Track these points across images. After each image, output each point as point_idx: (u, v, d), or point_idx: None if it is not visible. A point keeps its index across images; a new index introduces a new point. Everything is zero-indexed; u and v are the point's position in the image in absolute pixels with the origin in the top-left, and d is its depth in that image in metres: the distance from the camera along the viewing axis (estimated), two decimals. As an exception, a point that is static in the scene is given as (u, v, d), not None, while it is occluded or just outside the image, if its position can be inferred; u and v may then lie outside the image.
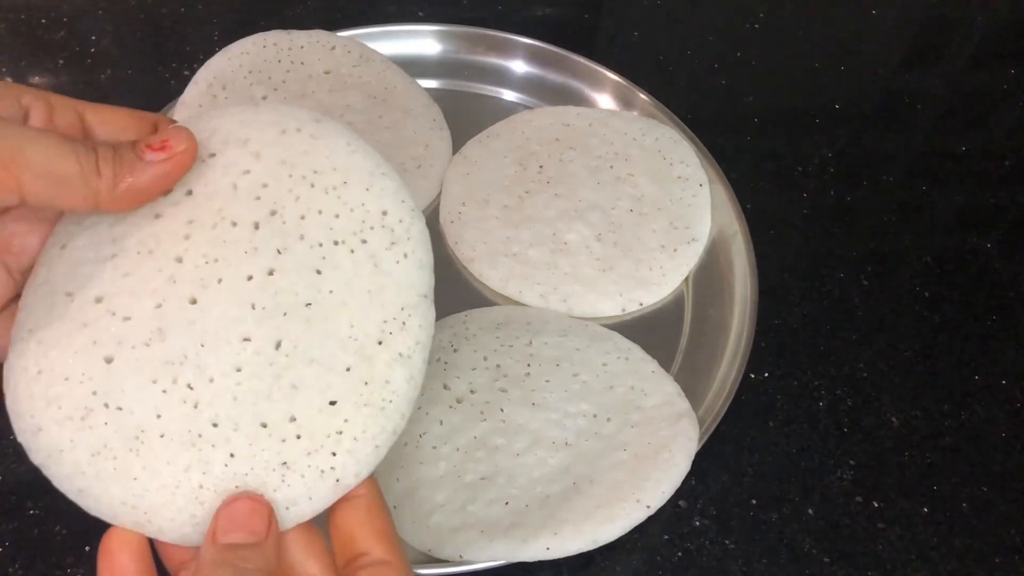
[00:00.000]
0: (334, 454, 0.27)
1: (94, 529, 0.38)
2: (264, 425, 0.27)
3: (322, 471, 0.27)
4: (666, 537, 0.41)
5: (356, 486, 0.28)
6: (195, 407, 0.27)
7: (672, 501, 0.38)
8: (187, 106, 0.50)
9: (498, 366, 0.43)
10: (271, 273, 0.27)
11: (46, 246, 0.29)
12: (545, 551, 0.36)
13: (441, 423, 0.40)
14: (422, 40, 0.59)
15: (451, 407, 0.41)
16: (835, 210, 0.55)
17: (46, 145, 0.25)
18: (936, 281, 0.52)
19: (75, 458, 0.27)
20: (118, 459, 0.26)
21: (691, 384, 0.43)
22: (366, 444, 0.27)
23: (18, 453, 0.41)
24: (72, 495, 0.27)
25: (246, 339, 0.27)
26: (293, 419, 0.27)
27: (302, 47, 0.54)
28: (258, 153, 0.28)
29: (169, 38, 0.62)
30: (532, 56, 0.58)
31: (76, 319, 0.27)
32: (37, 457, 0.27)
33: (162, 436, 0.26)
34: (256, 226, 0.28)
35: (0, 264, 0.29)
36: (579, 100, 0.57)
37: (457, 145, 0.54)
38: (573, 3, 0.68)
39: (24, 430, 0.27)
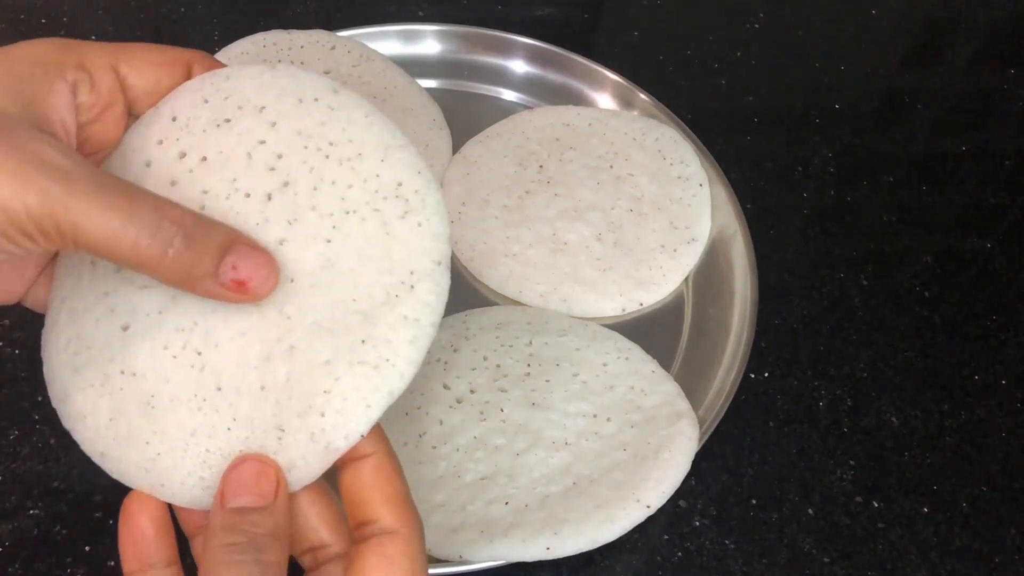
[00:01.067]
0: (323, 415, 0.26)
1: (94, 529, 0.39)
2: (263, 388, 0.27)
3: (312, 433, 0.26)
4: (666, 537, 0.41)
5: (361, 445, 0.27)
6: (201, 371, 0.27)
7: (672, 501, 0.38)
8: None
9: (498, 366, 0.43)
10: (281, 243, 0.27)
11: None
12: (545, 551, 0.36)
13: (441, 423, 0.40)
14: (422, 40, 0.59)
15: (451, 407, 0.41)
16: (835, 210, 0.55)
17: (118, 203, 0.23)
18: (936, 281, 0.52)
19: (96, 423, 0.27)
20: (132, 423, 0.27)
21: (691, 384, 0.43)
22: (356, 404, 0.26)
23: (18, 453, 0.41)
24: (96, 459, 0.28)
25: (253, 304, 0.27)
26: (287, 380, 0.27)
27: (302, 47, 0.54)
28: (274, 123, 0.28)
29: (169, 38, 0.62)
30: (532, 56, 0.58)
31: (99, 288, 0.28)
32: (66, 422, 0.28)
33: (171, 401, 0.27)
34: (268, 197, 0.28)
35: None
36: (579, 100, 0.57)
37: (457, 145, 0.54)
38: (573, 3, 0.68)
39: (55, 397, 0.28)
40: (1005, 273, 0.53)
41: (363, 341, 0.27)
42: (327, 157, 0.28)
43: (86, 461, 0.40)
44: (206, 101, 0.29)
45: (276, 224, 0.27)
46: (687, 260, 0.49)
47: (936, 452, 0.45)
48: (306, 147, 0.28)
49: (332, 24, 0.57)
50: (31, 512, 0.39)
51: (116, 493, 0.39)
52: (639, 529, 0.37)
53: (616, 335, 0.45)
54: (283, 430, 0.26)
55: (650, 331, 0.47)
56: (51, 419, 0.41)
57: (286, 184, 0.28)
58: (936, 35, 0.70)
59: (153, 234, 0.24)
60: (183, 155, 0.28)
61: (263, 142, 0.28)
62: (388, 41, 0.58)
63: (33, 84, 0.25)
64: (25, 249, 0.23)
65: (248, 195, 0.28)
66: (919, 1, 0.72)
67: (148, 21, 0.63)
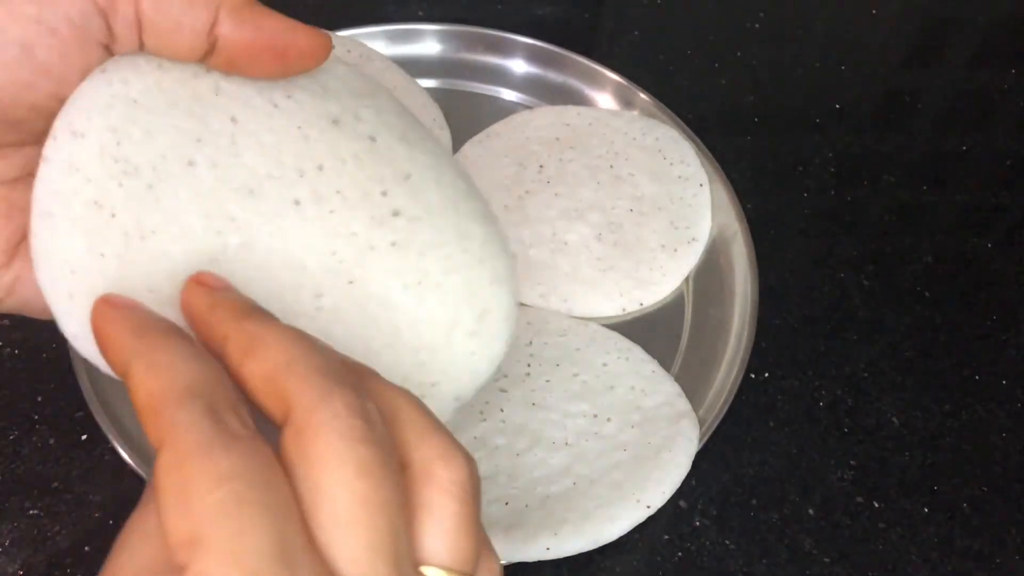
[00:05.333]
0: None
1: (93, 530, 0.39)
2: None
3: None
4: (666, 537, 0.41)
5: None
6: (210, 262, 0.25)
7: (672, 501, 0.38)
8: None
9: (498, 366, 0.43)
10: (371, 248, 0.26)
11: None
12: (545, 551, 0.36)
13: (441, 423, 0.40)
14: (422, 40, 0.59)
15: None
16: (836, 210, 0.55)
17: None
18: (937, 281, 0.52)
19: (78, 188, 0.24)
20: (110, 227, 0.24)
21: (691, 384, 0.43)
22: None
23: (17, 453, 0.41)
24: (38, 214, 0.24)
25: (302, 266, 0.25)
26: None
27: (302, 47, 0.54)
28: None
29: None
30: (532, 56, 0.58)
31: (202, 112, 0.25)
32: (55, 152, 0.24)
33: (164, 254, 0.25)
34: (395, 214, 0.26)
35: None
36: (579, 100, 0.57)
37: (457, 145, 0.54)
38: (573, 2, 0.68)
39: (71, 122, 0.24)
40: (1006, 273, 0.53)
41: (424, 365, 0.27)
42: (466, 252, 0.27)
43: (85, 461, 0.41)
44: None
45: (383, 233, 0.26)
46: (687, 260, 0.48)
47: (937, 452, 0.44)
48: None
49: (332, 23, 0.57)
50: (30, 512, 0.39)
51: (116, 493, 0.40)
52: (639, 529, 0.37)
53: (616, 335, 0.45)
54: None
55: (650, 331, 0.46)
56: (50, 419, 0.42)
57: (418, 219, 0.26)
58: (936, 35, 0.70)
59: None
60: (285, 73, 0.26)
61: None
62: (388, 41, 0.58)
63: None
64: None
65: (384, 195, 0.26)
66: (919, 1, 0.72)
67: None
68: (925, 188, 0.57)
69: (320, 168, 0.26)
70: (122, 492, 0.40)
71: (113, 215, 0.24)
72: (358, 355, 0.25)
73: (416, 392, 0.24)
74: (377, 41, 0.57)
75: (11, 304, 0.25)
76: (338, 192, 0.26)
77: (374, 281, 0.26)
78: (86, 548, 0.38)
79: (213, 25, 0.23)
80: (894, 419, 0.46)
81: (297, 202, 0.25)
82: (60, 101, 0.23)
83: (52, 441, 0.41)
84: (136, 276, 0.24)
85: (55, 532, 0.39)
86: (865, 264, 0.52)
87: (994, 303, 0.51)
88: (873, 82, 0.64)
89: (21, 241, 0.25)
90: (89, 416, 0.39)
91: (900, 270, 0.53)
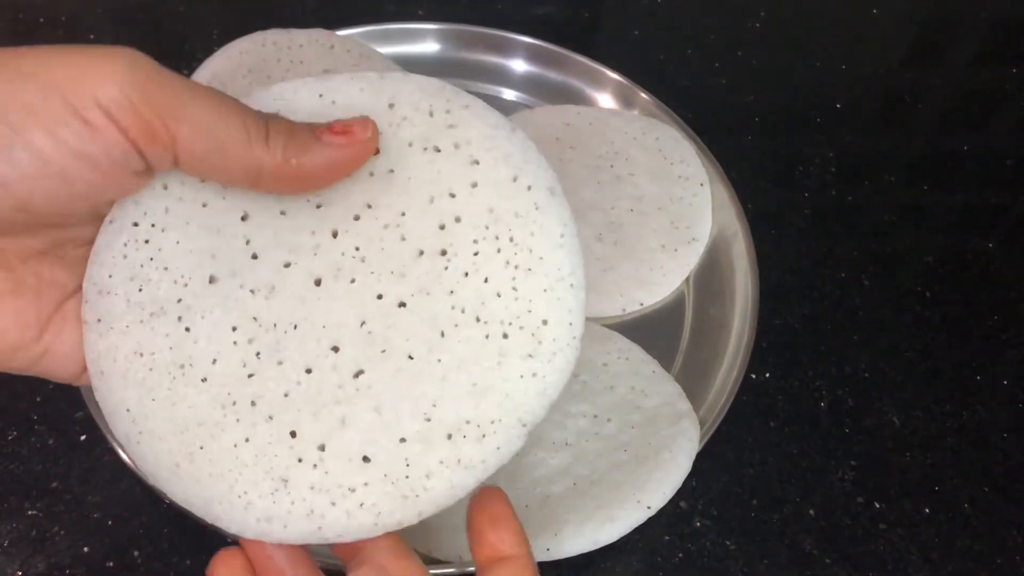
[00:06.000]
0: (333, 504, 0.25)
1: (92, 530, 0.39)
2: (293, 435, 0.25)
3: (311, 512, 0.25)
4: (667, 538, 0.40)
5: (506, 546, 0.26)
6: (249, 377, 0.25)
7: (673, 502, 0.38)
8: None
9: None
10: (401, 306, 0.25)
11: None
12: (545, 552, 0.36)
13: (441, 423, 0.40)
14: (422, 39, 0.59)
15: (451, 407, 0.41)
16: (836, 210, 0.55)
17: (211, 103, 0.23)
18: (937, 281, 0.52)
19: (117, 344, 0.26)
20: (153, 372, 0.25)
21: (692, 384, 0.43)
22: (367, 518, 0.25)
23: (17, 453, 0.41)
24: (93, 373, 0.26)
25: (334, 348, 0.25)
26: (322, 448, 0.25)
27: (301, 46, 0.54)
28: (476, 183, 0.26)
29: (168, 38, 0.62)
30: (532, 55, 0.58)
31: (212, 223, 0.26)
32: (89, 313, 0.26)
33: (203, 380, 0.25)
34: (420, 254, 0.25)
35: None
36: (579, 99, 0.57)
37: (457, 145, 0.54)
38: (573, 2, 0.68)
39: (95, 281, 0.26)
40: (1006, 273, 0.53)
41: (407, 464, 0.25)
42: (498, 251, 0.25)
43: (84, 462, 0.40)
44: (431, 115, 0.27)
45: (409, 284, 0.25)
46: (688, 260, 0.48)
47: (937, 452, 0.44)
48: (488, 228, 0.25)
49: (331, 23, 0.57)
50: (29, 513, 0.39)
51: (115, 494, 0.40)
52: (640, 530, 0.37)
53: (616, 335, 0.45)
54: (287, 487, 0.25)
55: (650, 331, 0.46)
56: (49, 419, 0.42)
57: (443, 253, 0.25)
58: (936, 35, 0.70)
59: (258, 121, 0.23)
60: (335, 181, 0.26)
61: (453, 195, 0.26)
62: (388, 40, 0.58)
63: None
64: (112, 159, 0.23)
65: (404, 239, 0.25)
66: (919, 1, 0.72)
67: (147, 21, 0.63)
68: (925, 188, 0.57)
69: (335, 234, 0.26)
70: (121, 492, 0.40)
71: (153, 359, 0.26)
72: (405, 420, 0.25)
73: (476, 434, 0.25)
74: (377, 41, 0.57)
75: (36, 371, 0.26)
76: (355, 256, 0.26)
77: (410, 340, 0.25)
78: (85, 548, 0.38)
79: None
80: (894, 419, 0.46)
81: (318, 281, 0.26)
82: (94, 211, 0.25)
83: (51, 441, 0.41)
84: (185, 410, 0.25)
85: (54, 532, 0.39)
86: (866, 264, 0.52)
87: (995, 303, 0.51)
88: (874, 82, 0.64)
89: (52, 314, 0.26)
90: (89, 416, 0.39)
91: (901, 270, 0.52)
